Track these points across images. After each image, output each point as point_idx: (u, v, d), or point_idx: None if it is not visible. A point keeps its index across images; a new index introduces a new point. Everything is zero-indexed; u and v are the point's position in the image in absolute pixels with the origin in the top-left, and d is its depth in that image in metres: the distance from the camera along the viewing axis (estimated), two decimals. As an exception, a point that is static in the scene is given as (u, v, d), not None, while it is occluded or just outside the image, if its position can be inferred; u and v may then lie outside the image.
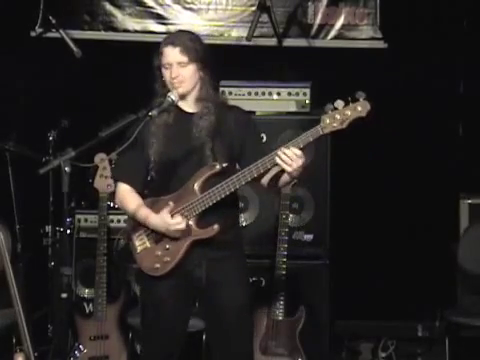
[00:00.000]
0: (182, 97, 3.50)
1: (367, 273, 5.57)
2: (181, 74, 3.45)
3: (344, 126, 3.29)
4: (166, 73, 3.47)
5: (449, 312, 4.85)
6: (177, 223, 3.40)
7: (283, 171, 3.40)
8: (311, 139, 3.31)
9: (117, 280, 4.92)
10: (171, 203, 3.42)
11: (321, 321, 4.89)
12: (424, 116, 5.65)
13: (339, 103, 3.29)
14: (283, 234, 4.64)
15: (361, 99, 3.28)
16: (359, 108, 3.28)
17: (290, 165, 3.30)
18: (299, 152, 3.31)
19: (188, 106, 3.54)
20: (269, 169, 3.40)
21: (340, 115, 3.29)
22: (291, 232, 4.83)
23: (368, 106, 3.28)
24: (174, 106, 3.50)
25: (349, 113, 3.28)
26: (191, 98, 3.53)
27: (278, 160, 3.32)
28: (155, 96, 3.52)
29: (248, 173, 3.38)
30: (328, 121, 3.30)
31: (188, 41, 3.45)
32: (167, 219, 3.41)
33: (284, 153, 3.31)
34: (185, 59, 3.43)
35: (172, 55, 3.44)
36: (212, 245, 3.47)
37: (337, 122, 3.29)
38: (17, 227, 4.79)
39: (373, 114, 3.28)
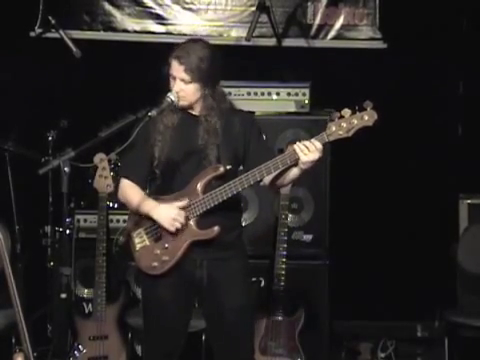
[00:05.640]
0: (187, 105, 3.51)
1: (366, 273, 5.57)
2: (183, 90, 3.45)
3: (350, 134, 3.30)
4: (171, 82, 3.47)
5: (449, 312, 4.85)
6: (180, 215, 3.41)
7: (287, 170, 3.40)
8: None
9: (116, 280, 4.91)
10: (186, 199, 3.42)
11: (320, 321, 4.90)
12: (424, 116, 5.65)
13: (346, 111, 3.29)
14: (282, 234, 4.64)
15: (368, 108, 3.28)
16: (366, 117, 3.29)
17: (306, 154, 3.31)
18: (319, 145, 3.32)
19: (194, 110, 3.54)
20: (272, 173, 3.41)
21: (346, 123, 3.29)
22: (290, 232, 4.84)
23: (375, 115, 3.29)
24: (179, 108, 3.49)
25: (355, 122, 3.29)
26: (197, 106, 3.53)
27: (296, 148, 3.31)
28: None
29: (251, 177, 3.39)
30: (334, 128, 3.30)
31: (195, 60, 3.41)
32: (175, 209, 3.42)
33: (303, 143, 3.32)
34: (188, 78, 3.42)
35: (176, 70, 3.43)
36: (213, 246, 3.48)
37: (343, 130, 3.30)
38: (16, 227, 4.78)
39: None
